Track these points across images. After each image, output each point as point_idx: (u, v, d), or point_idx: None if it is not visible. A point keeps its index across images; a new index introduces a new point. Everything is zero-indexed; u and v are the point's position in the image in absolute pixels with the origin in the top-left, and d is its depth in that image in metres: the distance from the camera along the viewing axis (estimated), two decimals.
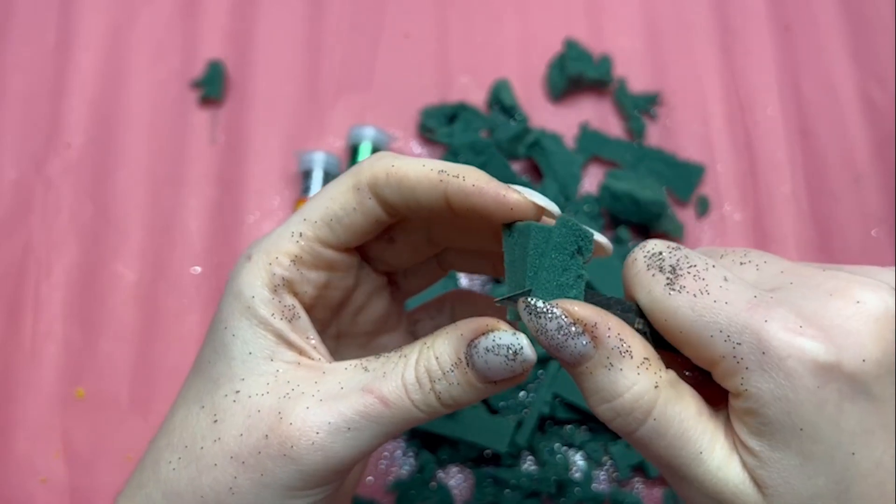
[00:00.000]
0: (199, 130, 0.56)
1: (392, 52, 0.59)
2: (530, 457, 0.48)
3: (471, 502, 0.47)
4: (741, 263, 0.27)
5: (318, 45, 0.59)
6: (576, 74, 0.57)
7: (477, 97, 0.58)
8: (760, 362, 0.23)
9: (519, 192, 0.25)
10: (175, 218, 0.54)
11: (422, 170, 0.26)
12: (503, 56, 0.59)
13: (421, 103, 0.57)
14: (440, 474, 0.48)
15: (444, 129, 0.55)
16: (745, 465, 0.24)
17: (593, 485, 0.48)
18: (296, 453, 0.25)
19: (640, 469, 0.48)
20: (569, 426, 0.49)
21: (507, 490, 0.47)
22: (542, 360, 0.49)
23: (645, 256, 0.26)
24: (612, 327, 0.24)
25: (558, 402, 0.48)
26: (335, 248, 0.28)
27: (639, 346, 0.24)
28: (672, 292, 0.24)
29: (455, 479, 0.48)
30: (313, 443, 0.25)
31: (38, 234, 0.53)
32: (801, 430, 0.23)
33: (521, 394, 0.48)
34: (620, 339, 0.24)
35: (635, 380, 0.24)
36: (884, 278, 0.24)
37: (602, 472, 0.48)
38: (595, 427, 0.48)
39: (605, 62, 0.58)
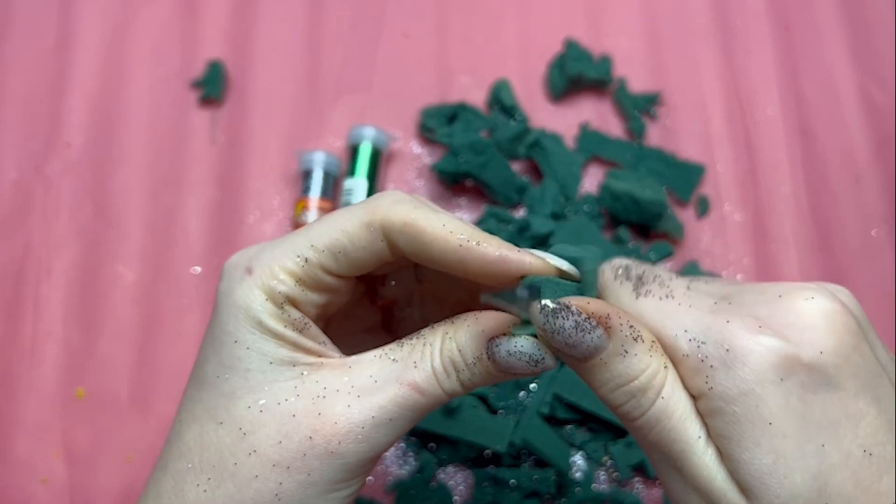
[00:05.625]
0: (199, 130, 0.56)
1: (392, 52, 0.59)
2: (530, 457, 0.48)
3: (470, 502, 0.47)
4: (691, 280, 0.28)
5: (318, 45, 0.59)
6: (576, 74, 0.57)
7: (477, 97, 0.58)
8: (725, 359, 0.24)
9: (540, 258, 0.26)
10: (175, 218, 0.54)
11: (440, 230, 0.26)
12: (503, 56, 0.59)
13: (421, 103, 0.57)
14: (440, 474, 0.48)
15: (444, 129, 0.55)
16: (725, 469, 0.24)
17: (593, 485, 0.48)
18: (343, 448, 0.25)
19: (640, 469, 0.48)
20: (569, 426, 0.49)
21: (507, 490, 0.47)
22: None
23: (612, 269, 0.28)
24: (622, 315, 0.25)
25: (558, 402, 0.48)
26: (337, 276, 0.28)
27: (646, 331, 0.25)
28: (639, 296, 0.26)
29: (455, 479, 0.48)
30: (359, 436, 0.25)
31: (38, 234, 0.53)
32: (771, 424, 0.23)
33: (522, 394, 0.48)
34: (630, 326, 0.25)
35: (648, 361, 0.25)
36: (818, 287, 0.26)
37: (602, 472, 0.48)
38: (595, 427, 0.48)
39: (605, 62, 0.58)
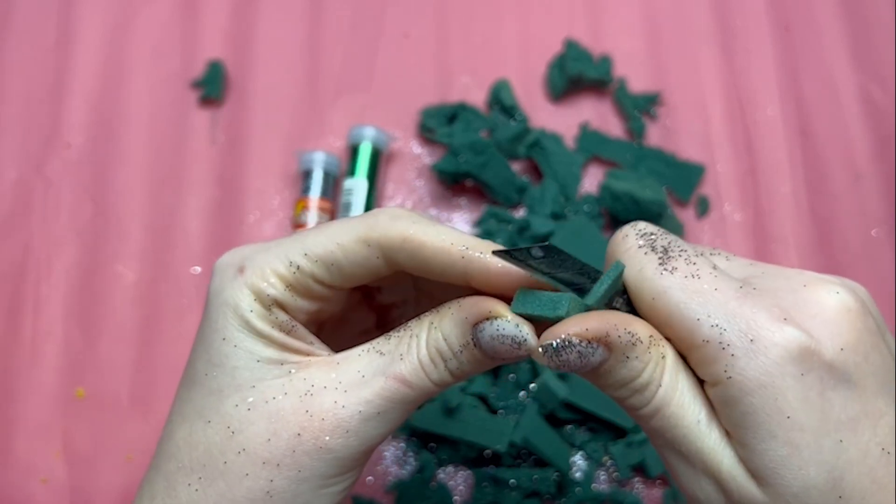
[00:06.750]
0: (199, 130, 0.56)
1: (392, 52, 0.59)
2: (530, 457, 0.48)
3: (470, 502, 0.47)
4: (711, 254, 0.27)
5: (318, 45, 0.59)
6: (576, 74, 0.57)
7: (477, 97, 0.58)
8: (748, 350, 0.23)
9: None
10: (175, 218, 0.54)
11: (440, 243, 0.26)
12: (503, 56, 0.59)
13: (421, 103, 0.57)
14: (440, 474, 0.48)
15: (444, 129, 0.55)
16: (735, 453, 0.24)
17: (593, 485, 0.48)
18: (332, 444, 0.25)
19: (640, 469, 0.48)
20: (569, 426, 0.49)
21: (507, 490, 0.47)
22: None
23: (637, 234, 0.26)
24: (619, 324, 0.24)
25: (558, 402, 0.48)
26: (328, 286, 0.28)
27: (642, 328, 0.25)
28: (664, 272, 0.25)
29: (455, 479, 0.48)
30: (348, 431, 0.25)
31: (38, 234, 0.53)
32: (789, 417, 0.23)
33: (522, 394, 0.48)
34: (629, 333, 0.24)
35: (647, 358, 0.24)
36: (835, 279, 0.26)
37: (602, 472, 0.48)
38: (595, 427, 0.48)
39: (605, 62, 0.58)
